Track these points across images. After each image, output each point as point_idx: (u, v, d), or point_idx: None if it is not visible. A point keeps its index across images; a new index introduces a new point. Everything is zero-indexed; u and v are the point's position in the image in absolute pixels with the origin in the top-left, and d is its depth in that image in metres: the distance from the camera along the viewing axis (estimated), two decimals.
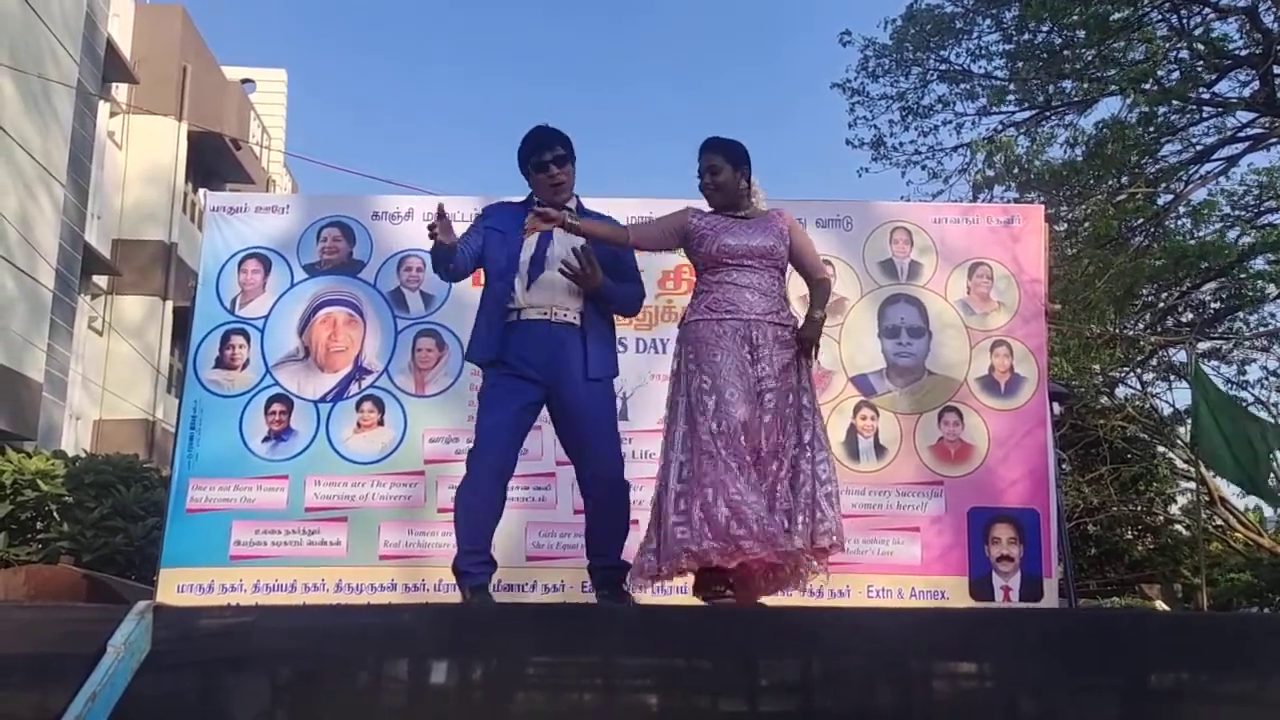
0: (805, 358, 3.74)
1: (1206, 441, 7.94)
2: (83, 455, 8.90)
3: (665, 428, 3.74)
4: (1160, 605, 15.37)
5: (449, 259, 3.74)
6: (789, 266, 3.88)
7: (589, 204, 4.02)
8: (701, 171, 3.80)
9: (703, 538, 3.40)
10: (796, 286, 4.05)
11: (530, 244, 3.74)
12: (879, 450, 5.60)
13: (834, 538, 3.60)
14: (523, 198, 3.97)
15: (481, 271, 3.95)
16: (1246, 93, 12.18)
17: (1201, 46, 11.45)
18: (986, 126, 13.44)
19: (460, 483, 3.76)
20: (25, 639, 2.68)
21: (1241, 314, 14.54)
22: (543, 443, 4.89)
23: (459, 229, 3.81)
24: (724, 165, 3.77)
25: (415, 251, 5.75)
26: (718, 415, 3.51)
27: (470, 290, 5.72)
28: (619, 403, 4.46)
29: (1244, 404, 14.42)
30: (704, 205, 3.90)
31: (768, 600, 3.67)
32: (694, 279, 3.95)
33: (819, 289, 3.84)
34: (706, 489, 3.44)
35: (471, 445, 3.78)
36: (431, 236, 3.66)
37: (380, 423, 5.57)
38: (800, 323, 3.78)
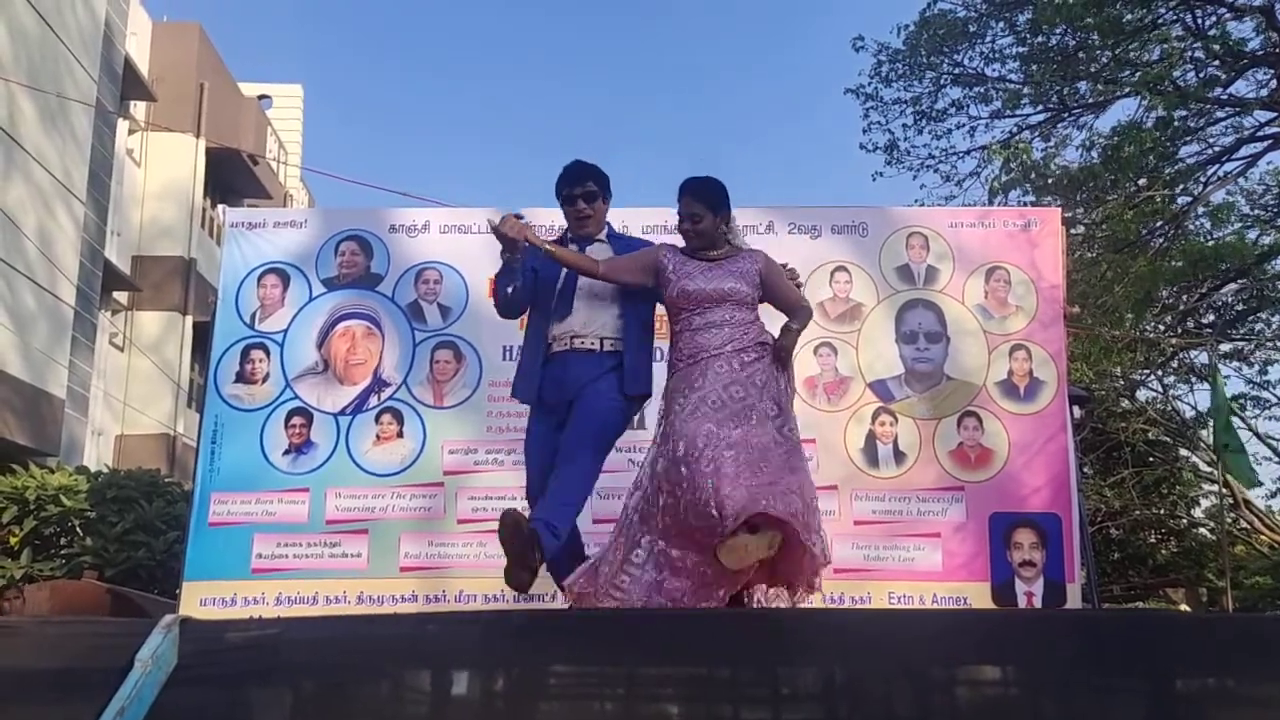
0: (781, 367, 3.63)
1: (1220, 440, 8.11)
2: (105, 470, 8.96)
3: (641, 488, 3.63)
4: (1185, 610, 15.23)
5: (513, 279, 3.75)
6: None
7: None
8: (682, 217, 3.76)
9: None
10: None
11: (560, 277, 3.79)
12: (898, 456, 5.58)
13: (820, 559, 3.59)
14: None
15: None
16: (1264, 93, 12.09)
17: (1217, 46, 11.36)
18: (1001, 130, 13.40)
19: None
20: (53, 654, 2.71)
21: (1263, 315, 14.44)
22: None
23: (474, 240, 3.82)
24: (705, 213, 3.72)
25: (432, 264, 5.78)
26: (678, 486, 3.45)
27: (487, 301, 5.76)
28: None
29: (1266, 404, 14.37)
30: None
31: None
32: None
33: (800, 314, 3.75)
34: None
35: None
36: (501, 239, 3.64)
37: (399, 435, 5.60)
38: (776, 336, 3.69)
